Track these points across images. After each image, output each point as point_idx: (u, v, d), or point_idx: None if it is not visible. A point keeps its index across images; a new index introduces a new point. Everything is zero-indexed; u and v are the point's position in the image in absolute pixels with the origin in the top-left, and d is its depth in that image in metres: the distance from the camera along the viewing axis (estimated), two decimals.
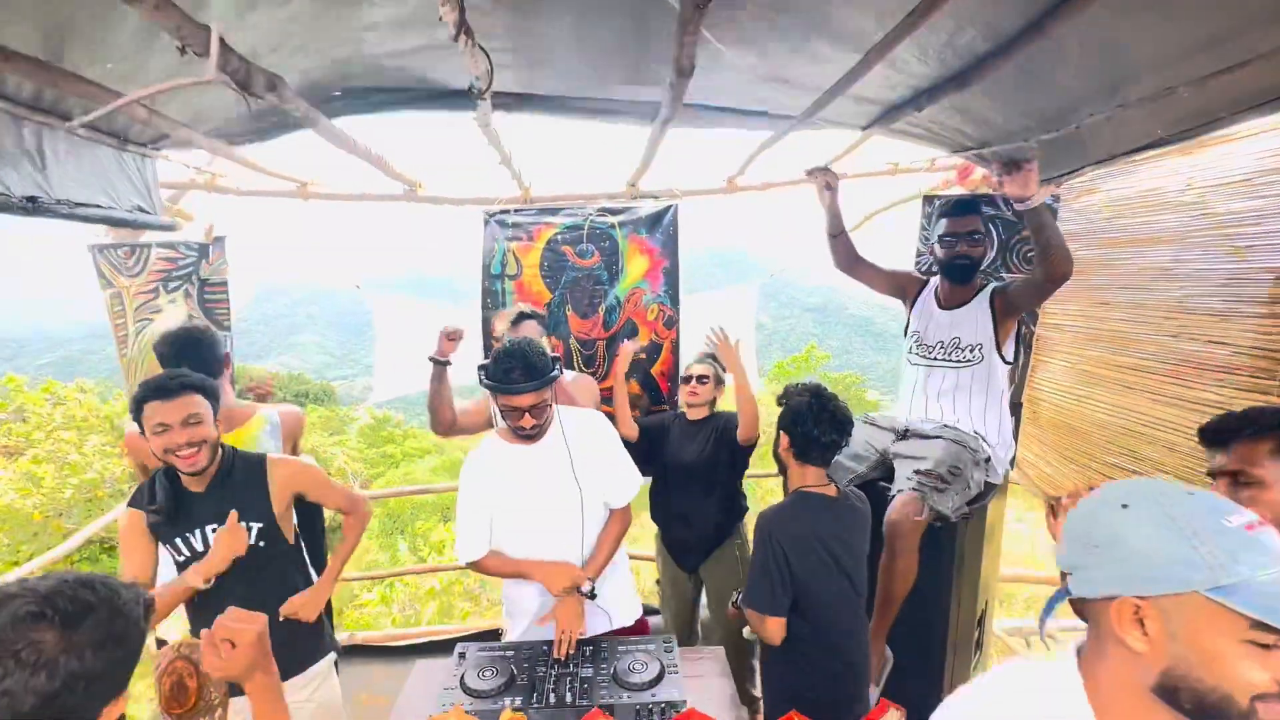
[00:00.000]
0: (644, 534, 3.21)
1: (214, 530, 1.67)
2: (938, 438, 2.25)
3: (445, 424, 2.44)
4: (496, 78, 1.60)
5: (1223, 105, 1.47)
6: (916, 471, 2.12)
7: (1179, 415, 2.24)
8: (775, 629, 1.72)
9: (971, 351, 2.32)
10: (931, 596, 2.18)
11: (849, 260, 2.60)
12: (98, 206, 1.81)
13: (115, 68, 1.42)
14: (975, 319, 2.32)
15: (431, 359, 2.32)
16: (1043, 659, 0.88)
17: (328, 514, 2.33)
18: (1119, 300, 2.53)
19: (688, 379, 2.65)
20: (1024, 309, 2.37)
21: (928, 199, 2.95)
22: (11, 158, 1.49)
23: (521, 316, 2.49)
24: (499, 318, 2.80)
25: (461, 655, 1.84)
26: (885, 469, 2.32)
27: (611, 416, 2.52)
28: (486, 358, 1.83)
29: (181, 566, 1.68)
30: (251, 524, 1.71)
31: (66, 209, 1.67)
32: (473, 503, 1.91)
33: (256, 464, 1.78)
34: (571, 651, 1.79)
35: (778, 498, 1.88)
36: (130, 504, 1.70)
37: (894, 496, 2.11)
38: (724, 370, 2.64)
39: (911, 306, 2.54)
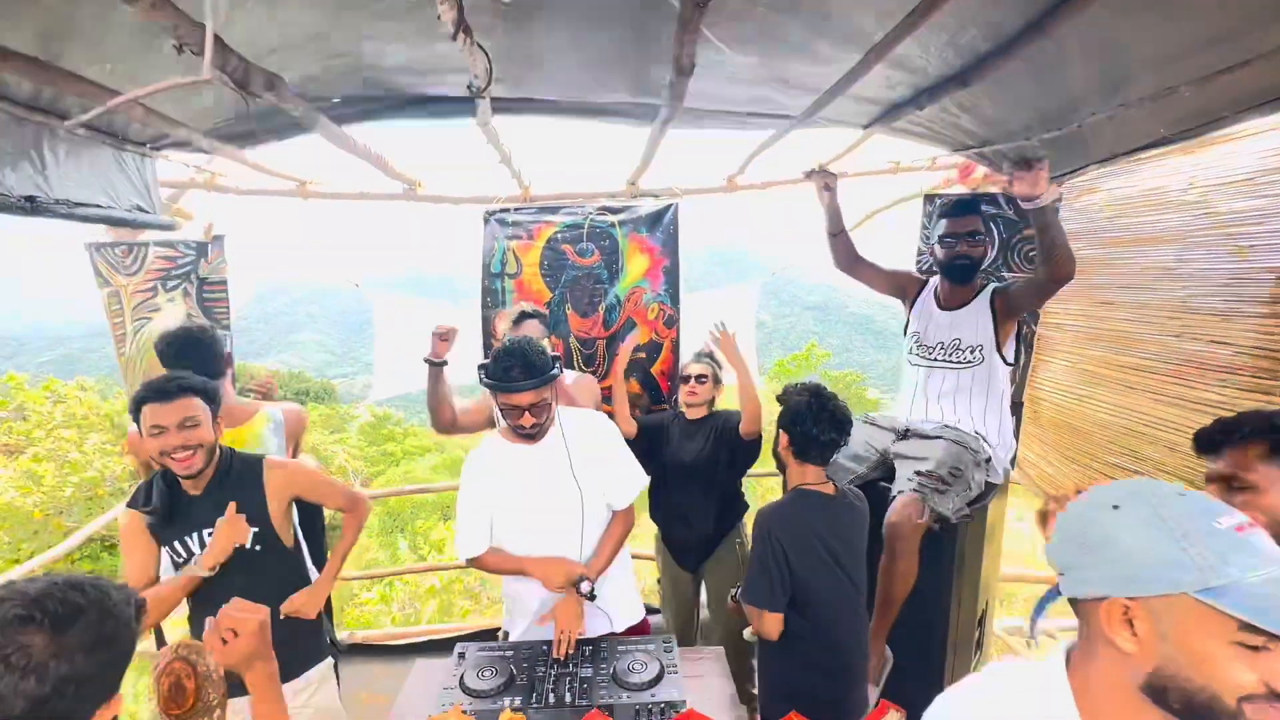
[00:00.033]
0: (644, 534, 3.20)
1: (210, 534, 1.67)
2: (938, 438, 2.25)
3: (445, 423, 2.44)
4: (495, 86, 1.59)
5: (1225, 104, 1.47)
6: (918, 472, 2.11)
7: (1181, 415, 2.23)
8: (773, 624, 1.72)
9: (972, 353, 2.32)
10: (932, 596, 2.17)
11: (849, 259, 2.59)
12: (97, 206, 1.81)
13: (114, 67, 1.42)
14: (976, 320, 2.31)
15: (426, 360, 2.32)
16: (1032, 659, 0.88)
17: (328, 513, 2.33)
18: (1121, 300, 2.52)
19: (686, 378, 2.65)
20: (1025, 309, 2.37)
21: (929, 198, 2.94)
22: (11, 158, 1.50)
23: (523, 316, 2.48)
24: (501, 317, 2.79)
25: (461, 655, 1.84)
26: (886, 469, 2.32)
27: (611, 415, 2.52)
28: (487, 357, 1.83)
29: (179, 568, 1.68)
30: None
31: (65, 208, 1.67)
32: (473, 501, 1.90)
33: (253, 467, 1.77)
34: (570, 651, 1.79)
35: (777, 497, 1.88)
36: (129, 505, 1.70)
37: (895, 497, 2.10)
38: (721, 369, 2.64)
39: (911, 307, 2.53)
